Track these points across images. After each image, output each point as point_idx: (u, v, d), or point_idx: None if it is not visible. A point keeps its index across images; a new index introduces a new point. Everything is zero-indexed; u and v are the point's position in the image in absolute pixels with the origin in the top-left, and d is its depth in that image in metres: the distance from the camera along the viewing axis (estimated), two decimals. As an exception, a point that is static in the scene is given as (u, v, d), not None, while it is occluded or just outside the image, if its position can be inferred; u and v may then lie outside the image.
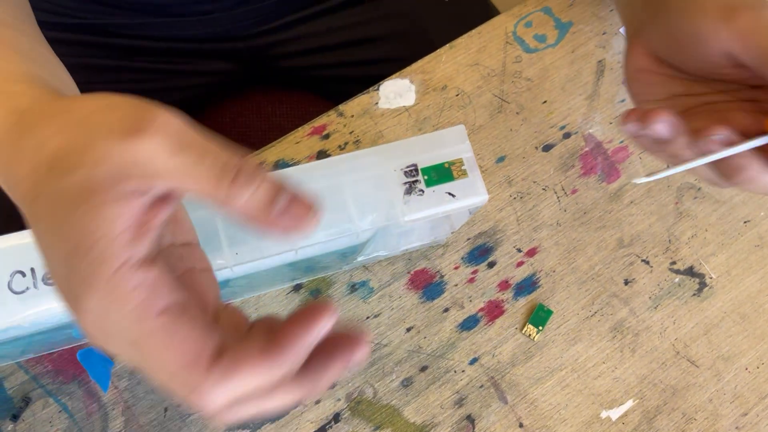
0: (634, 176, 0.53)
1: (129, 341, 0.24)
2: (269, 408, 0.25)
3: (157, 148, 0.24)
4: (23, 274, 0.34)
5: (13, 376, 0.45)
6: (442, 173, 0.38)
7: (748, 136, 0.34)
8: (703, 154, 0.35)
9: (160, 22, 0.65)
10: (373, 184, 0.38)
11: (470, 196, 0.38)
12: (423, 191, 0.38)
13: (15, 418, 0.44)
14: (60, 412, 0.44)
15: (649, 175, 0.36)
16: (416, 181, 0.38)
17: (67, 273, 0.25)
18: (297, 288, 0.48)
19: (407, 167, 0.38)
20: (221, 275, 0.37)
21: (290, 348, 0.25)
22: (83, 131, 0.25)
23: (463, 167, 0.39)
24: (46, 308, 0.34)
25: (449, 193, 0.38)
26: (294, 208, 0.25)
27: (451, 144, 0.39)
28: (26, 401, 0.44)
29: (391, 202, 0.37)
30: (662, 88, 0.41)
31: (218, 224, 0.36)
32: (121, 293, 0.24)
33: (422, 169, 0.38)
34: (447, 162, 0.39)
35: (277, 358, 0.24)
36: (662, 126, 0.35)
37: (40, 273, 0.34)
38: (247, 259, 0.36)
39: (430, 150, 0.39)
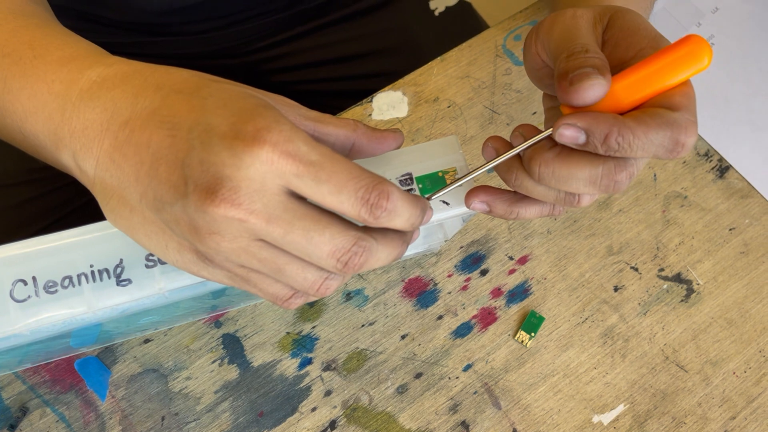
0: None
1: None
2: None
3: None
4: (25, 283, 0.34)
5: (11, 386, 0.45)
6: (436, 182, 0.39)
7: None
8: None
9: (157, 41, 0.66)
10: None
11: (464, 204, 0.39)
12: (418, 199, 0.38)
13: (12, 428, 0.44)
14: (57, 421, 0.44)
15: (435, 193, 0.36)
16: (411, 189, 0.39)
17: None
18: (293, 297, 0.49)
19: (402, 176, 0.39)
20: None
21: None
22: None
23: (456, 176, 0.39)
24: (48, 316, 0.34)
25: (444, 202, 0.39)
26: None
27: (444, 153, 0.40)
28: (23, 411, 0.44)
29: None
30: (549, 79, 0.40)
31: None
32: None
33: (417, 178, 0.39)
34: (441, 171, 0.39)
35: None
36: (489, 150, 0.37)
37: (41, 281, 0.34)
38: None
39: (424, 159, 0.40)
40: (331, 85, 0.73)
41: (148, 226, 0.31)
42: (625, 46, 0.35)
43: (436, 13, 0.74)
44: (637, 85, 0.32)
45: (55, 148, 0.33)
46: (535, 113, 0.55)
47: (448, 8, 0.75)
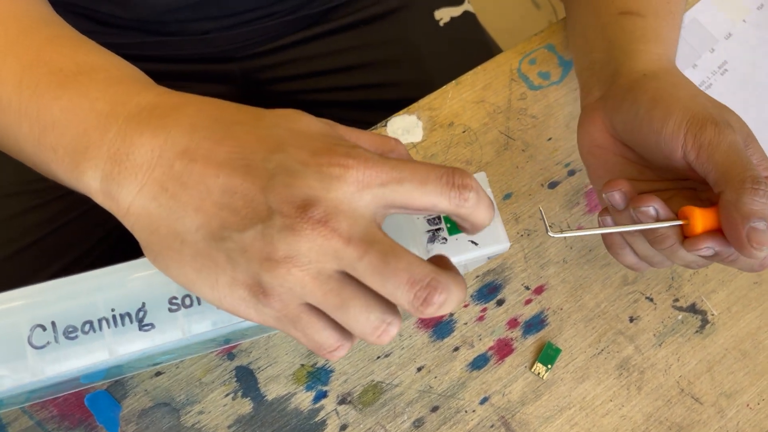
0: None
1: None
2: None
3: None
4: (44, 328, 0.33)
5: (17, 421, 0.43)
6: (464, 220, 0.38)
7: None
8: (633, 222, 0.39)
9: (156, 41, 0.64)
10: (395, 231, 0.38)
11: (492, 244, 0.38)
12: (446, 239, 0.38)
13: (19, 465, 0.43)
14: (66, 458, 0.43)
15: (563, 231, 0.38)
16: (439, 228, 0.38)
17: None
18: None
19: (430, 215, 0.38)
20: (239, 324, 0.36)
21: None
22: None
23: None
24: (68, 363, 0.33)
25: (472, 242, 0.38)
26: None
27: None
28: (31, 448, 0.43)
29: (416, 250, 0.37)
30: (617, 168, 0.44)
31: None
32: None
33: (445, 218, 0.38)
34: (469, 209, 0.39)
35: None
36: (618, 195, 0.40)
37: (61, 326, 0.33)
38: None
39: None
40: (334, 95, 0.72)
41: (199, 259, 0.30)
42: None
43: (441, 23, 0.73)
44: None
45: (76, 166, 0.32)
46: (550, 139, 0.55)
47: (453, 19, 0.75)
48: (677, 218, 0.38)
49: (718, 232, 0.38)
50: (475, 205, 0.30)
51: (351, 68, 0.70)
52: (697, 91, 0.41)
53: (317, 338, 0.31)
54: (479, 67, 0.56)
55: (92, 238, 0.64)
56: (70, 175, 0.33)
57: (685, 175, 0.41)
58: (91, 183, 0.32)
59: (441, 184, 0.30)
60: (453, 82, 0.56)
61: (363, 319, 0.29)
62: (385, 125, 0.54)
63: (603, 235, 0.45)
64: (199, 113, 0.31)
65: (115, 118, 0.32)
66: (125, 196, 0.31)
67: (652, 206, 0.38)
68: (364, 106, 0.71)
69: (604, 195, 0.40)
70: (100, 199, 0.32)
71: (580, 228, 0.41)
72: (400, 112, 0.54)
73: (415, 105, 0.55)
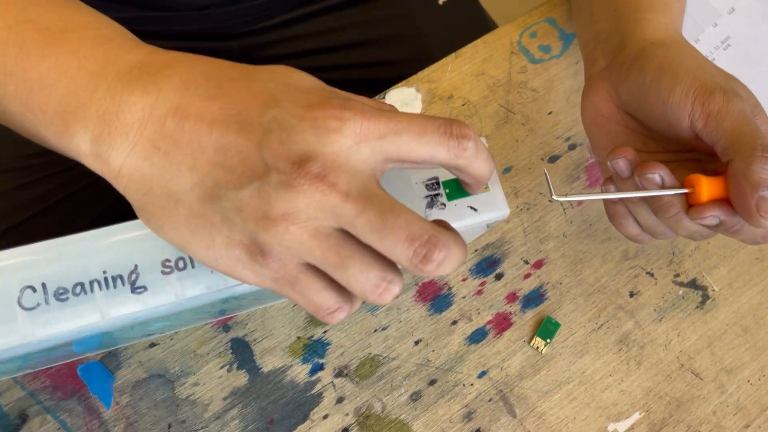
0: None
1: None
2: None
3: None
4: (33, 290, 0.32)
5: (9, 392, 0.43)
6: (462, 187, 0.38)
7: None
8: (636, 189, 0.39)
9: (156, 16, 0.64)
10: (394, 196, 0.37)
11: (492, 210, 0.38)
12: (445, 205, 0.37)
13: (11, 436, 0.42)
14: (59, 429, 0.43)
15: (567, 194, 0.38)
16: (438, 194, 0.37)
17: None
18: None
19: (428, 180, 0.37)
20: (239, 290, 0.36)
21: None
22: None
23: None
24: (58, 325, 0.32)
25: (471, 207, 0.37)
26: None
27: (470, 157, 0.39)
28: (23, 418, 0.43)
29: (413, 216, 0.37)
30: (620, 139, 0.43)
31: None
32: None
33: (444, 183, 0.37)
34: (468, 175, 0.38)
35: None
36: (623, 162, 0.39)
37: (51, 288, 0.32)
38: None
39: (449, 163, 0.38)
40: (331, 73, 0.71)
41: (194, 219, 0.29)
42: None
43: (440, 1, 0.73)
44: None
45: (65, 127, 0.31)
46: (550, 113, 0.54)
47: None
48: (683, 187, 0.38)
49: (723, 201, 0.37)
50: (474, 155, 0.30)
51: (350, 46, 0.70)
52: (704, 60, 0.41)
53: (316, 299, 0.30)
54: (479, 40, 0.56)
55: (88, 215, 0.63)
56: (60, 137, 0.32)
57: (691, 146, 0.41)
58: (81, 145, 0.31)
59: (439, 133, 0.29)
60: (452, 54, 0.55)
61: (363, 277, 0.29)
62: (383, 97, 0.53)
63: (606, 205, 0.44)
64: (191, 70, 0.31)
65: (104, 77, 0.31)
66: (116, 157, 0.30)
67: (658, 173, 0.37)
68: (363, 84, 0.71)
69: (608, 163, 0.39)
70: (90, 162, 0.31)
71: (584, 192, 0.40)
72: (399, 84, 0.54)
73: (413, 77, 0.54)
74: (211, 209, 0.29)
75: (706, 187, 0.37)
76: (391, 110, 0.32)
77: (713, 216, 0.36)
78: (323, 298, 0.30)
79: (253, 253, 0.29)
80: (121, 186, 0.31)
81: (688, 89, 0.38)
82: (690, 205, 0.38)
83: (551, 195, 0.36)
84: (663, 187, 0.37)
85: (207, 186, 0.29)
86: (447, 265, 0.28)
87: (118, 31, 0.34)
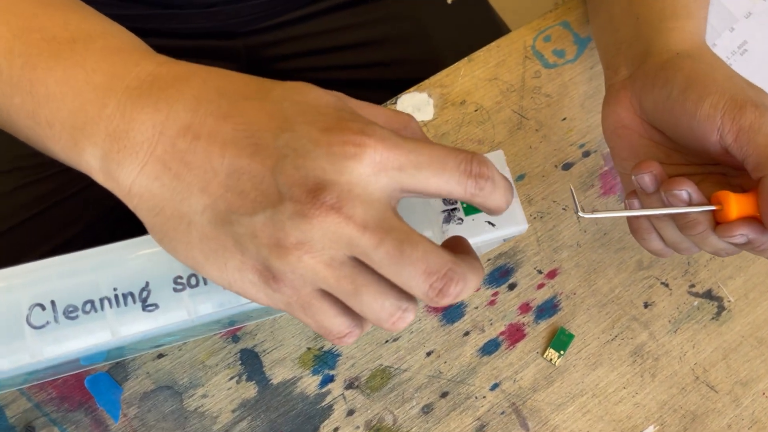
0: None
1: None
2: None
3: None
4: (43, 307, 0.31)
5: (15, 403, 0.42)
6: (480, 200, 0.37)
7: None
8: (663, 206, 0.38)
9: (161, 14, 0.63)
10: (409, 210, 0.36)
11: (510, 225, 0.37)
12: (462, 220, 0.36)
13: (17, 448, 0.41)
14: (66, 442, 0.42)
15: (594, 211, 0.37)
16: (455, 209, 0.36)
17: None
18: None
19: (445, 194, 0.37)
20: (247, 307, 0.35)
21: None
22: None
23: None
24: (67, 344, 0.31)
25: (489, 222, 0.37)
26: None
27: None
28: (29, 430, 0.42)
29: (430, 232, 0.36)
30: (642, 150, 0.42)
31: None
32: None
33: (461, 197, 0.37)
34: (486, 189, 0.37)
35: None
36: (648, 177, 0.38)
37: (61, 306, 0.32)
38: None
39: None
40: (339, 73, 0.70)
41: (207, 242, 0.28)
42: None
43: (449, 0, 0.72)
44: None
45: (74, 143, 0.30)
46: (564, 119, 0.53)
47: None
48: (710, 203, 0.37)
49: (752, 219, 0.36)
50: (490, 193, 0.29)
51: (356, 45, 0.69)
52: (732, 72, 0.40)
53: (327, 324, 0.29)
54: (492, 44, 0.55)
55: (90, 216, 0.62)
56: (69, 153, 0.31)
57: (716, 160, 0.40)
58: (90, 161, 0.30)
59: (459, 171, 0.28)
60: (465, 59, 0.54)
61: (377, 306, 0.28)
62: (395, 103, 0.52)
63: (628, 219, 0.43)
64: (204, 85, 0.30)
65: (113, 91, 0.30)
66: (126, 176, 0.29)
67: (685, 190, 0.36)
68: (370, 84, 0.70)
69: (633, 177, 0.38)
70: (100, 178, 0.30)
71: (611, 209, 0.39)
72: (411, 89, 0.53)
73: (426, 82, 0.53)
74: (224, 233, 0.28)
75: (735, 204, 0.36)
76: (410, 132, 0.31)
77: (742, 234, 0.36)
78: (335, 324, 0.29)
79: (266, 278, 0.28)
80: (132, 205, 0.30)
81: (717, 102, 0.37)
82: (717, 222, 0.37)
83: (577, 211, 0.36)
84: (690, 203, 0.36)
85: (219, 209, 0.28)
86: (462, 296, 0.28)
87: (126, 39, 0.33)
